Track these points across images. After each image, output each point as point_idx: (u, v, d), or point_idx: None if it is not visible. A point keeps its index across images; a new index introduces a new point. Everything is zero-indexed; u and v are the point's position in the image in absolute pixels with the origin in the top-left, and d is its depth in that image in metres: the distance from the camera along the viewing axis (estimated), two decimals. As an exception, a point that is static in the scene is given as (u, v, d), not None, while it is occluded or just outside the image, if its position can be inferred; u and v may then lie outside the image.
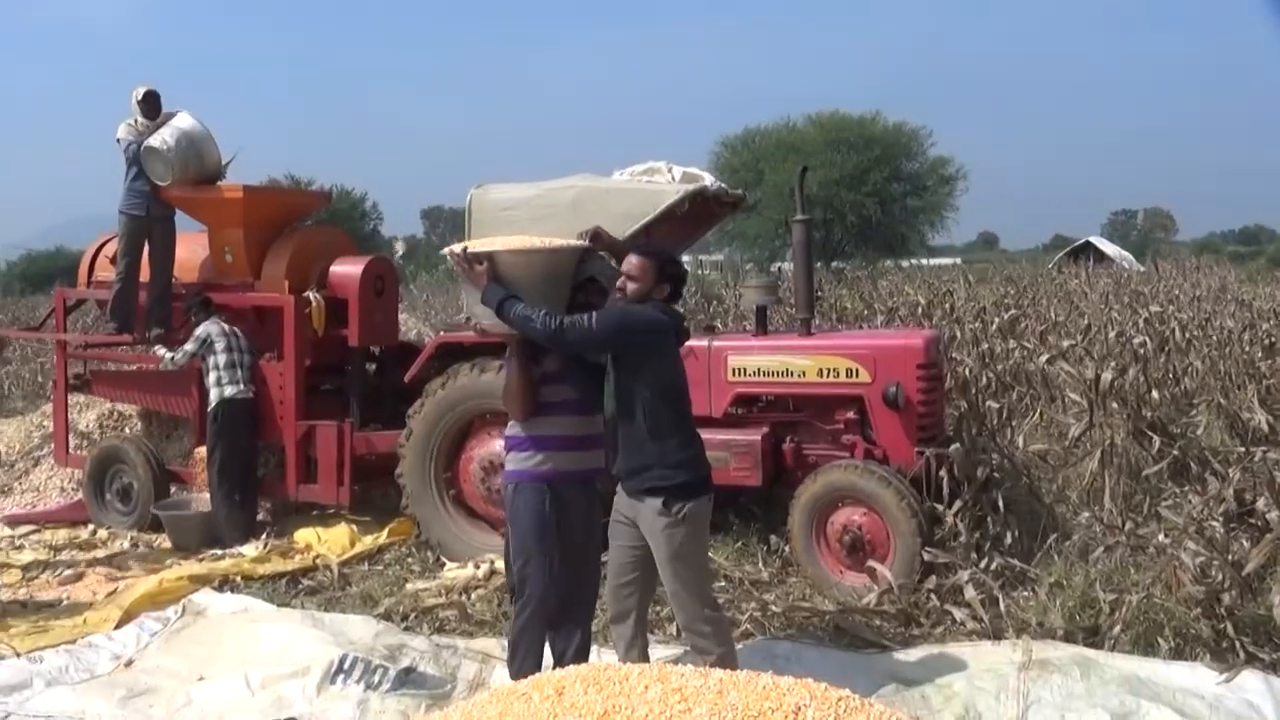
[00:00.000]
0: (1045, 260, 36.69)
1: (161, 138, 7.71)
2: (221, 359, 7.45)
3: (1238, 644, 4.74)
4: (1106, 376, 7.00)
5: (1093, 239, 43.77)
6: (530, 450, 4.31)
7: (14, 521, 8.31)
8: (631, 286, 4.23)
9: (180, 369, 7.69)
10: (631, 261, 4.27)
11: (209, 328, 7.52)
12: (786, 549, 6.16)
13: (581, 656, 4.42)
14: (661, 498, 4.11)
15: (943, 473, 5.92)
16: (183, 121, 7.84)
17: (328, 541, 7.19)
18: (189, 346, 7.53)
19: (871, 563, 5.72)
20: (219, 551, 7.11)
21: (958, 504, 5.85)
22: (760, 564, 6.19)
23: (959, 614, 5.28)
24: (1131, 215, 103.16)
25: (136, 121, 7.94)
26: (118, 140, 7.96)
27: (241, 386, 7.48)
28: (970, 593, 5.34)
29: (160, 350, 7.77)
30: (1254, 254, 47.18)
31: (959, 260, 40.08)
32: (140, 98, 7.94)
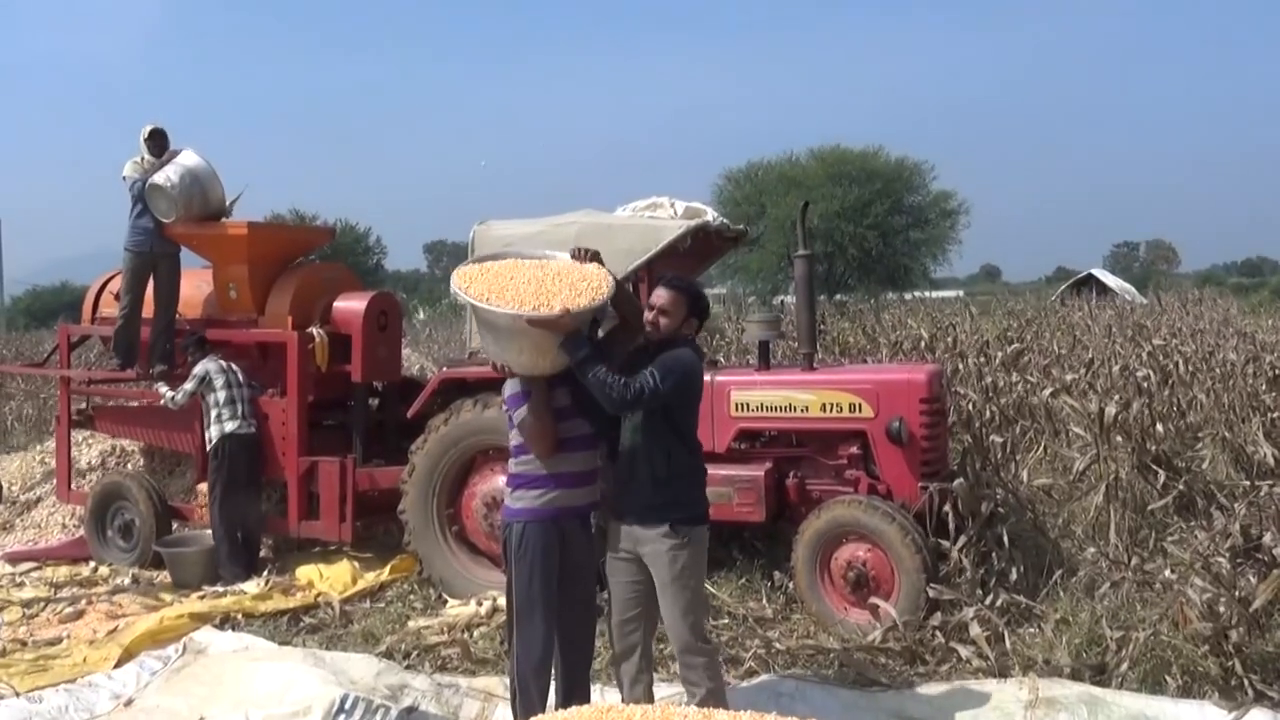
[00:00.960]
0: (1048, 293, 36.75)
1: (166, 175, 7.76)
2: (221, 395, 7.47)
3: (1246, 681, 4.70)
4: (1110, 410, 6.98)
5: (1095, 271, 43.89)
6: (541, 488, 4.27)
7: (15, 558, 8.27)
8: (664, 321, 4.22)
9: (181, 408, 7.69)
10: (662, 295, 4.25)
11: (206, 365, 7.55)
12: (790, 585, 6.12)
13: (583, 695, 4.38)
14: (668, 524, 4.16)
15: (947, 508, 5.90)
16: (187, 159, 7.89)
17: (329, 578, 7.17)
18: (188, 386, 7.55)
19: (875, 599, 5.68)
20: (220, 589, 7.08)
21: (962, 539, 5.82)
22: (764, 600, 6.15)
23: (964, 651, 5.24)
24: (1134, 247, 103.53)
25: (143, 159, 7.99)
26: (124, 178, 8.02)
27: (242, 422, 7.48)
28: (976, 630, 5.30)
29: (162, 389, 7.77)
30: (1257, 286, 47.23)
31: (961, 293, 40.19)
32: (147, 135, 8.00)
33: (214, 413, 7.48)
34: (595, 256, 4.35)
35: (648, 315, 4.25)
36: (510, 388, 4.32)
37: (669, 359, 4.15)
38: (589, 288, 4.15)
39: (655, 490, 4.17)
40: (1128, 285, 40.36)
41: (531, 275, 4.18)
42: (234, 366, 7.65)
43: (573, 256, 4.36)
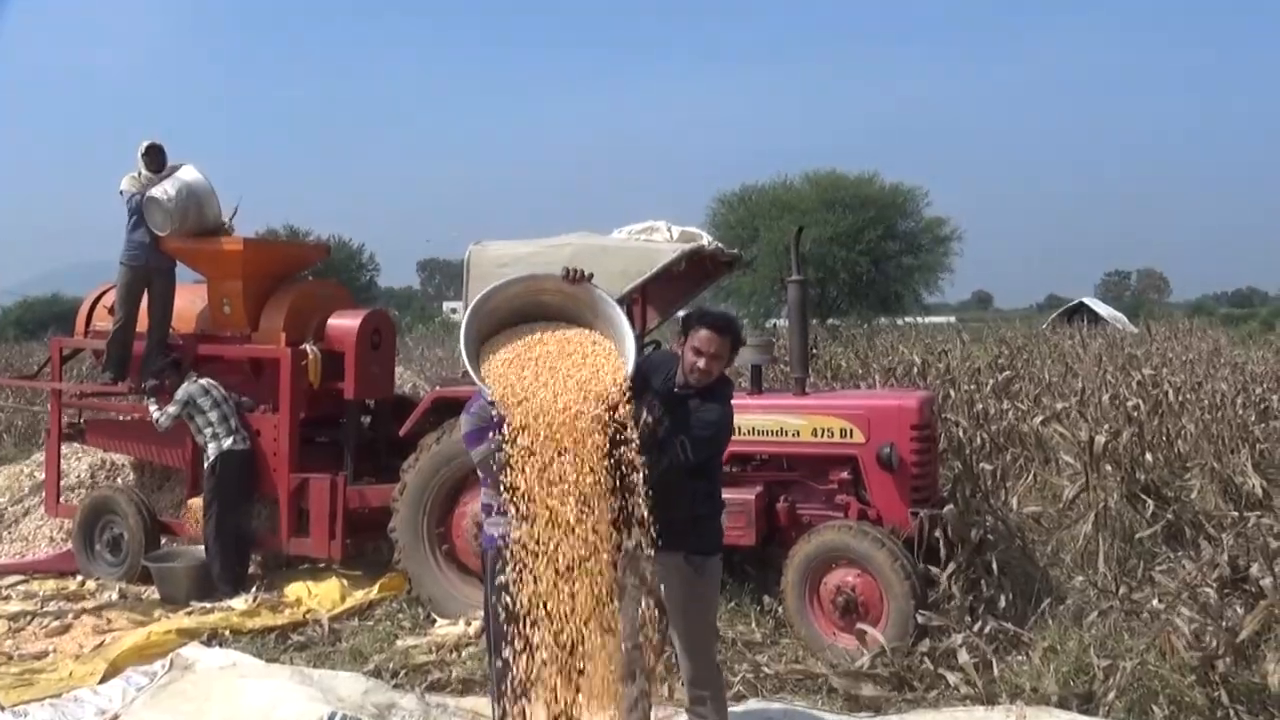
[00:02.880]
0: (1039, 320, 36.94)
1: (163, 189, 7.77)
2: (213, 415, 7.45)
3: (1232, 712, 4.72)
4: (1100, 439, 7.02)
5: (1086, 300, 44.17)
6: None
7: (1, 571, 8.24)
8: (715, 367, 4.10)
9: (167, 431, 7.67)
10: (713, 341, 4.06)
11: (188, 389, 7.52)
12: (779, 609, 6.13)
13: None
14: (684, 552, 4.15)
15: (937, 534, 5.91)
16: (186, 174, 7.91)
17: (318, 595, 7.15)
18: (171, 409, 7.51)
19: (864, 625, 5.69)
20: (208, 604, 7.05)
21: (951, 566, 5.83)
22: (753, 624, 6.16)
23: (952, 678, 5.24)
24: (1125, 276, 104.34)
25: (140, 174, 8.00)
26: (120, 192, 8.02)
27: (236, 437, 7.47)
28: (964, 656, 5.30)
29: (151, 406, 7.73)
30: (1247, 316, 47.51)
31: (954, 318, 40.37)
32: (144, 151, 8.01)
33: (208, 431, 7.44)
34: (589, 278, 4.29)
35: (696, 363, 4.07)
36: (466, 425, 4.17)
37: (704, 421, 4.07)
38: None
39: (673, 522, 4.09)
40: (1119, 314, 40.62)
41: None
42: (214, 383, 7.63)
43: (563, 277, 4.32)
